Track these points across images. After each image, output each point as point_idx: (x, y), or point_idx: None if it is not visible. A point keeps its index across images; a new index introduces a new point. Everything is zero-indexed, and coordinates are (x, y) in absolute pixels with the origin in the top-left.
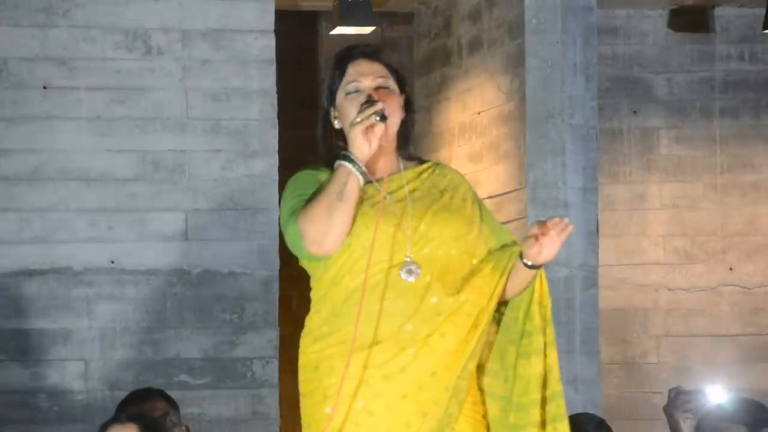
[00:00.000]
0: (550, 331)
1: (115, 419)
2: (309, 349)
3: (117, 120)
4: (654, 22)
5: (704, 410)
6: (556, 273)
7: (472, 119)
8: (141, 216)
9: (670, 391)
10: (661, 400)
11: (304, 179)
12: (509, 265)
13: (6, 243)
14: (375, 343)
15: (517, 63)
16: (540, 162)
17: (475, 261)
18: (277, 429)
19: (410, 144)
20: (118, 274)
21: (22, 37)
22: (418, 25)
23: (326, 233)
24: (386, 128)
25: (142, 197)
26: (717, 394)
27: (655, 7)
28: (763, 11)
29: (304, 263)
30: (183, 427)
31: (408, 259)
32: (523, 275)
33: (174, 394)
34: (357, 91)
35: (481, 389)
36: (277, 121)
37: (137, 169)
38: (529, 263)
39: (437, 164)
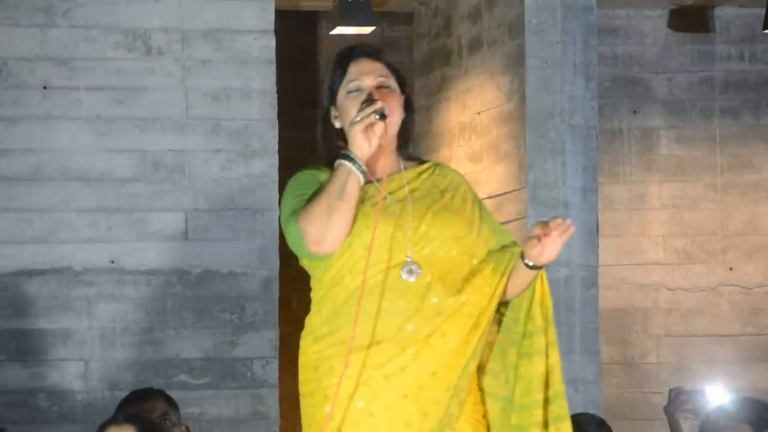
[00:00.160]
0: (552, 332)
1: (113, 420)
2: (309, 349)
3: (117, 120)
4: (654, 22)
5: (708, 411)
6: (556, 273)
7: (472, 119)
8: (141, 216)
9: (670, 391)
10: (661, 400)
11: (304, 179)
12: (510, 266)
13: (6, 243)
14: (375, 343)
15: (517, 63)
16: (540, 162)
17: (475, 261)
18: (277, 429)
19: (410, 144)
20: (118, 274)
21: (22, 37)
22: (418, 25)
23: (327, 232)
24: (386, 128)
25: (142, 197)
26: (717, 394)
27: (655, 7)
28: (763, 11)
29: (305, 263)
30: (183, 427)
31: (409, 259)
32: (524, 276)
33: (174, 394)
34: (358, 89)
35: (481, 389)
36: (277, 121)
37: (137, 169)
38: (531, 264)
39: (437, 164)
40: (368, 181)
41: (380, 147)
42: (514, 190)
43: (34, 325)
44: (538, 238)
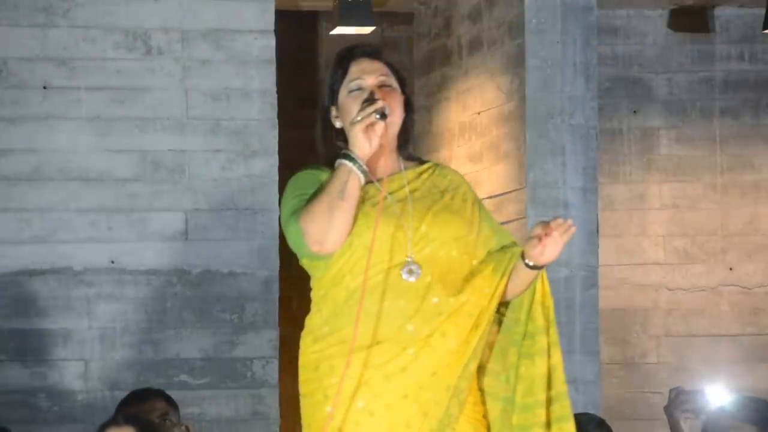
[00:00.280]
0: (554, 332)
1: (113, 421)
2: (309, 349)
3: (117, 120)
4: (654, 22)
5: (711, 411)
6: (556, 273)
7: (472, 119)
8: (141, 216)
9: (670, 391)
10: (661, 400)
11: (304, 179)
12: (510, 266)
13: (6, 243)
14: (375, 343)
15: (517, 63)
16: (540, 162)
17: (475, 262)
18: (277, 429)
19: (410, 144)
20: (118, 274)
21: (22, 37)
22: (418, 25)
23: (327, 232)
24: (387, 127)
25: (142, 197)
26: (718, 394)
27: (655, 7)
28: (763, 11)
29: (305, 263)
30: (183, 427)
31: (409, 260)
32: (524, 276)
33: (174, 394)
34: (360, 88)
35: (481, 390)
36: (277, 121)
37: (137, 169)
38: (531, 264)
39: (437, 165)
40: (368, 181)
41: (381, 147)
42: (514, 190)
43: (34, 325)
44: (539, 238)
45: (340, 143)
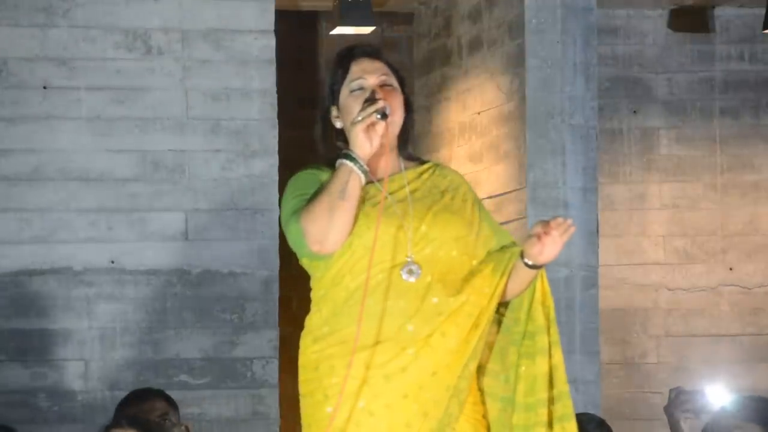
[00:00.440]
0: (554, 331)
1: (116, 424)
2: (309, 349)
3: (117, 120)
4: (654, 22)
5: (712, 413)
6: (556, 273)
7: (472, 119)
8: (141, 216)
9: (670, 391)
10: (661, 400)
11: (305, 179)
12: (509, 266)
13: (6, 243)
14: (376, 342)
15: (517, 63)
16: (540, 162)
17: (475, 262)
18: (277, 429)
19: (410, 144)
20: (118, 274)
21: (22, 37)
22: (418, 25)
23: (328, 232)
24: (388, 127)
25: (142, 197)
26: (718, 395)
27: (655, 7)
28: (763, 11)
29: (305, 263)
30: (183, 427)
31: (409, 260)
32: (523, 275)
33: (174, 394)
34: (361, 88)
35: (481, 390)
36: (277, 121)
37: (137, 169)
38: (530, 263)
39: (437, 165)
40: (369, 181)
41: (381, 147)
42: (514, 190)
43: (34, 325)
44: (538, 237)
45: (340, 143)
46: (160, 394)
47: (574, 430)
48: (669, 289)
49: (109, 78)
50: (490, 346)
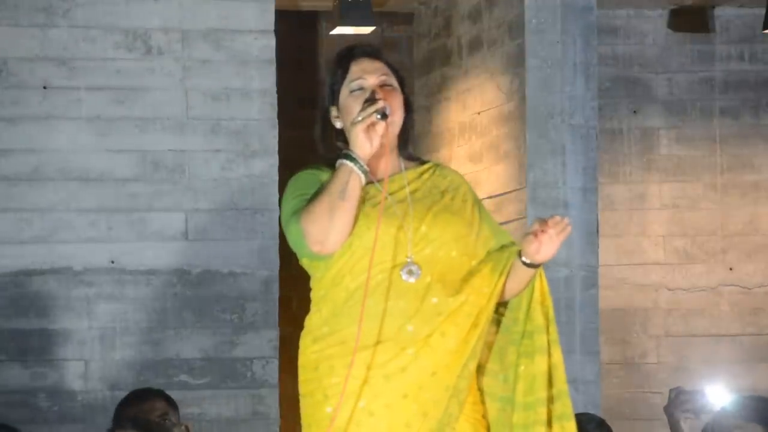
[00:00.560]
0: (554, 330)
1: (119, 427)
2: (309, 349)
3: (117, 120)
4: (654, 22)
5: (713, 412)
6: (556, 273)
7: (472, 119)
8: (141, 216)
9: (670, 391)
10: (661, 400)
11: (305, 179)
12: (508, 265)
13: (6, 243)
14: (377, 342)
15: (517, 63)
16: (540, 162)
17: (474, 262)
18: (277, 429)
19: (410, 144)
20: (118, 274)
21: (22, 37)
22: (418, 25)
23: (328, 232)
24: (388, 127)
25: (142, 197)
26: (718, 395)
27: (655, 7)
28: (763, 11)
29: (305, 263)
30: (183, 427)
31: (409, 260)
32: (521, 274)
33: (174, 394)
34: (361, 88)
35: (480, 389)
36: (277, 121)
37: (137, 169)
38: (528, 261)
39: (437, 165)
40: (369, 182)
41: (381, 147)
42: (514, 190)
43: (34, 325)
44: (535, 234)
45: (340, 143)
46: (160, 394)
47: (574, 429)
48: (669, 289)
49: (109, 78)
50: (489, 346)
